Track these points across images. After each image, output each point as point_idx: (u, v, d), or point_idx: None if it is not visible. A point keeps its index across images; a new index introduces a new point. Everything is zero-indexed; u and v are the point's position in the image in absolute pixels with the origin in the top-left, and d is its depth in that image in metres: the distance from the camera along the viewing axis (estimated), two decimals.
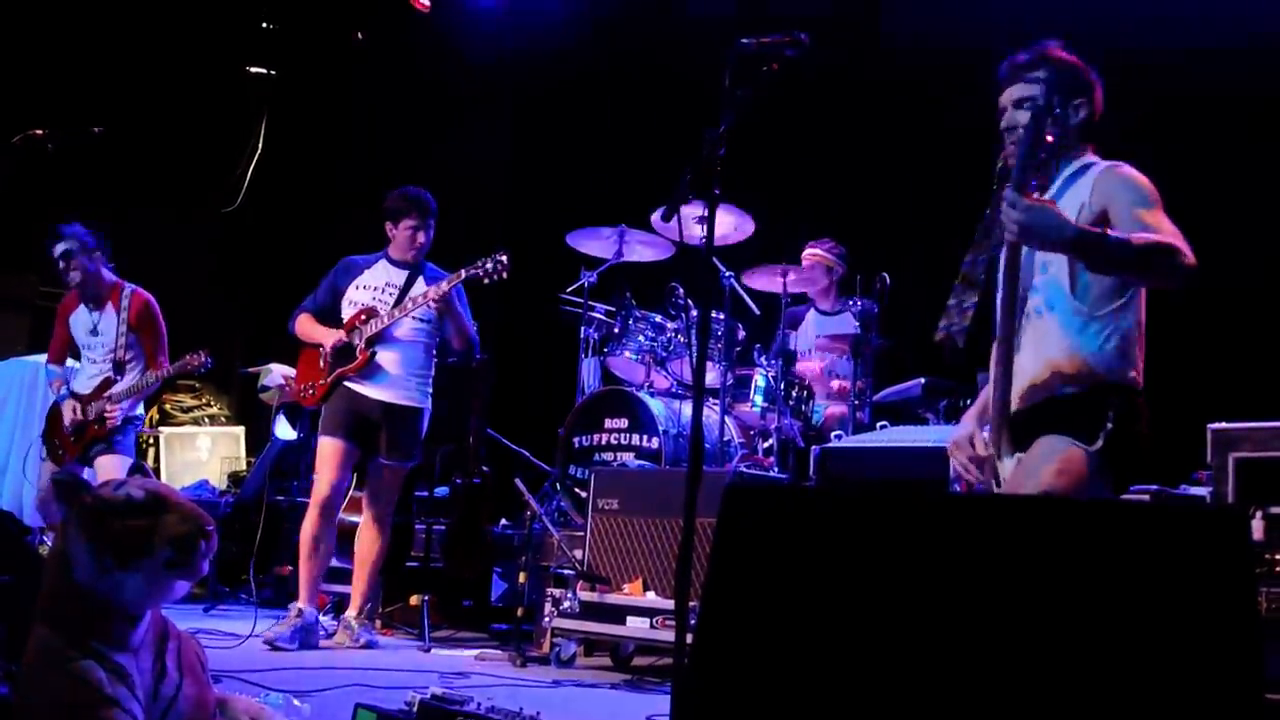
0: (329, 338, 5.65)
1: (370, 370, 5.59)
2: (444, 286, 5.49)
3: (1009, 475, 3.08)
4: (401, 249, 5.78)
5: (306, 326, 5.80)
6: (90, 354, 6.12)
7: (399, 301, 5.67)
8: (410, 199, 5.77)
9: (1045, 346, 3.12)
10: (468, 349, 5.78)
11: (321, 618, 6.19)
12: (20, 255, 8.77)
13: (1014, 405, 3.11)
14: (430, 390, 5.75)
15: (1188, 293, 3.00)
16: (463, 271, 5.49)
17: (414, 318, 5.64)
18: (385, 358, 5.61)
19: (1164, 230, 2.95)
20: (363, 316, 5.65)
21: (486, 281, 5.46)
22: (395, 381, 5.62)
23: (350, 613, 5.62)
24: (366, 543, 5.69)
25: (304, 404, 5.98)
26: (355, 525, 6.12)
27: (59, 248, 6.07)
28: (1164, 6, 6.45)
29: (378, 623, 5.90)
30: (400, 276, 5.77)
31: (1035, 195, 2.80)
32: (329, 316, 5.78)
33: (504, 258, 5.43)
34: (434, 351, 5.78)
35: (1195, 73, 6.25)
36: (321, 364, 5.69)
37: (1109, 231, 2.86)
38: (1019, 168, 2.80)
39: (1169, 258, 2.88)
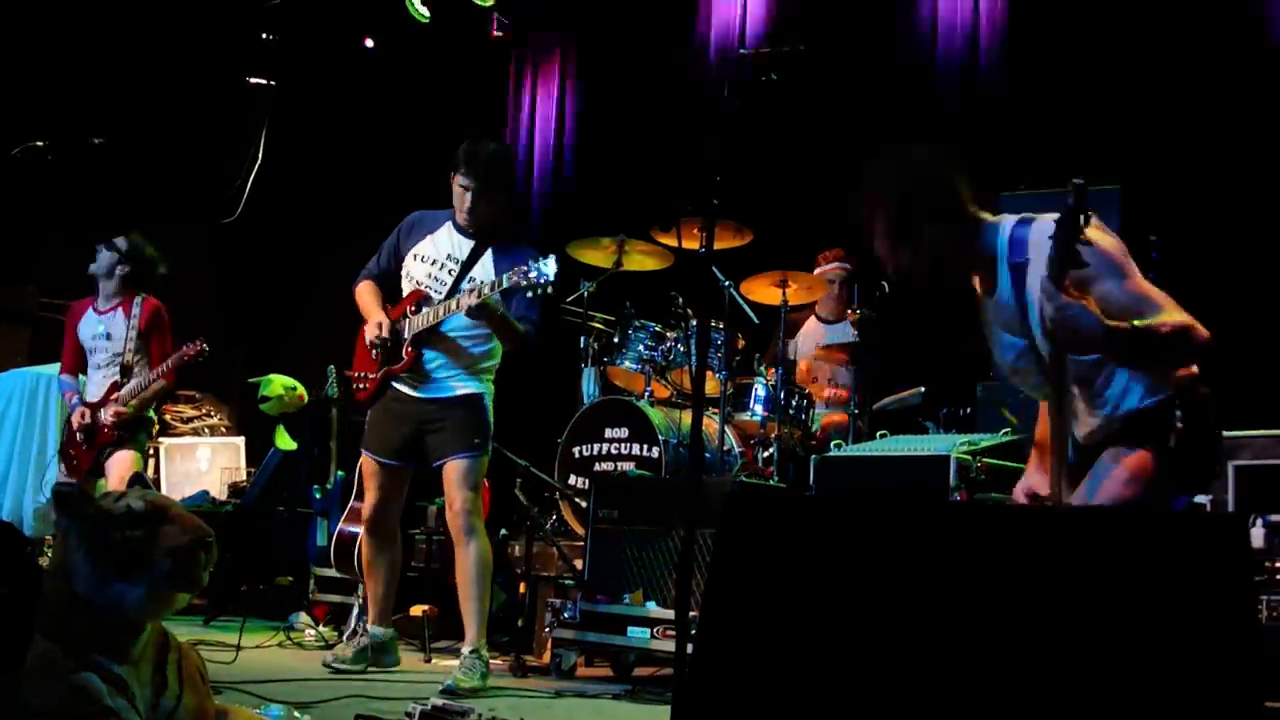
0: (370, 328, 4.98)
1: (417, 370, 4.96)
2: (470, 301, 4.73)
3: (1080, 493, 3.06)
4: (459, 212, 4.98)
5: (364, 299, 5.09)
6: (97, 358, 6.08)
7: (454, 287, 4.95)
8: (465, 151, 4.89)
9: (1088, 388, 3.11)
10: (517, 348, 4.99)
11: (322, 629, 6.20)
12: (20, 267, 8.78)
13: (1083, 435, 3.11)
14: (491, 377, 5.06)
15: (1186, 303, 3.00)
16: (503, 279, 4.69)
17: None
18: (434, 355, 4.96)
19: (1160, 301, 2.96)
20: (412, 304, 4.98)
21: (530, 295, 4.75)
22: (443, 379, 4.97)
23: (464, 646, 4.85)
24: (459, 561, 4.95)
25: (356, 398, 5.20)
26: (353, 535, 6.14)
27: (111, 255, 6.08)
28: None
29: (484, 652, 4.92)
30: (464, 249, 5.00)
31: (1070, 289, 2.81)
32: (391, 282, 5.13)
33: (550, 270, 4.63)
34: (494, 339, 4.99)
35: (1196, 76, 6.26)
36: (374, 354, 5.04)
37: (1136, 324, 2.86)
38: (1054, 265, 2.80)
39: (1188, 339, 2.91)
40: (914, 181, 3.12)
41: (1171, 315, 2.92)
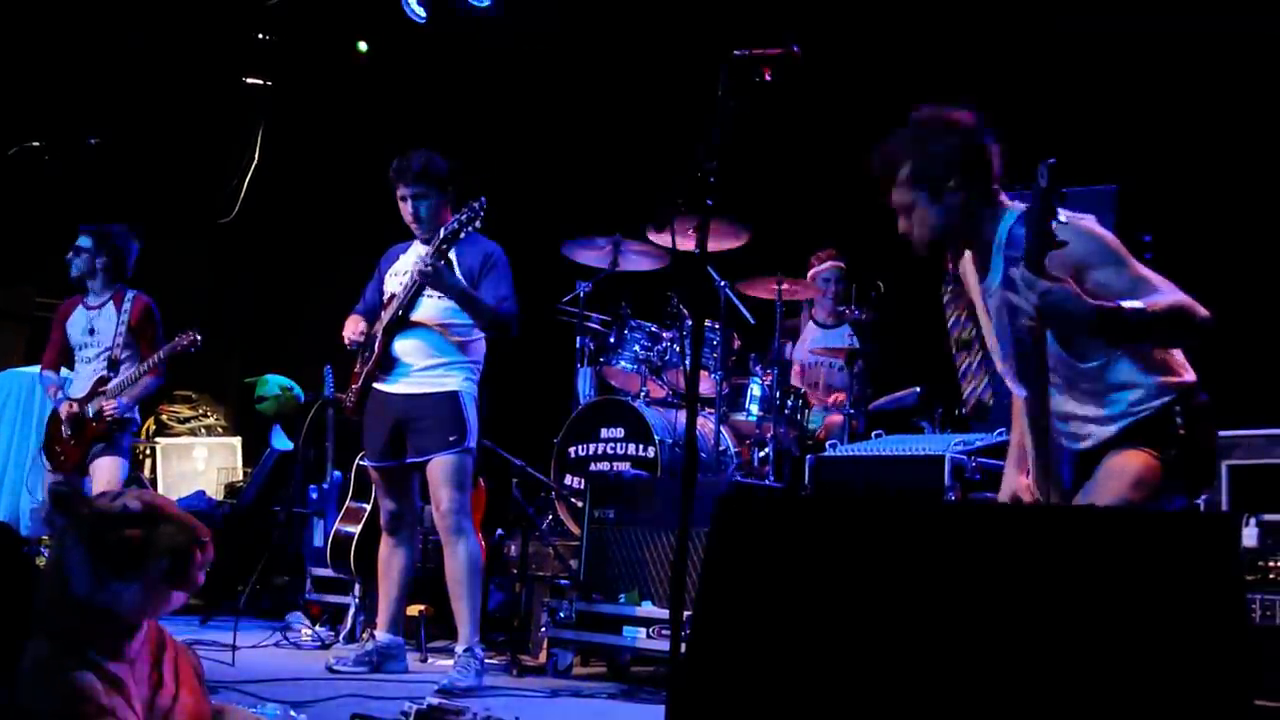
0: (346, 328, 5.13)
1: (388, 363, 5.01)
2: (423, 262, 4.85)
3: (1081, 495, 3.05)
4: (411, 224, 5.12)
5: (347, 323, 5.21)
6: (85, 353, 6.02)
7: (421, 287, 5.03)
8: (395, 167, 5.08)
9: (1086, 395, 3.09)
10: (491, 328, 5.02)
11: (319, 628, 6.20)
12: (17, 267, 8.78)
13: (1084, 445, 3.09)
14: (470, 375, 5.06)
15: None
16: (441, 231, 4.87)
17: (437, 297, 4.97)
18: (404, 347, 5.01)
19: (1161, 285, 2.91)
20: (386, 307, 5.10)
21: (464, 235, 4.87)
22: (416, 372, 4.99)
23: (457, 645, 4.90)
24: (447, 562, 4.95)
25: (346, 415, 5.32)
26: (349, 535, 6.15)
27: (84, 257, 6.06)
28: None
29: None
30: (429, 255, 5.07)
31: (1050, 272, 2.73)
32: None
33: (476, 204, 4.83)
34: (472, 331, 5.05)
35: (1180, 74, 6.26)
36: (357, 366, 5.16)
37: (1124, 305, 2.80)
38: (1030, 248, 2.72)
39: (1187, 318, 2.85)
40: (960, 139, 3.10)
41: (1167, 297, 2.87)
